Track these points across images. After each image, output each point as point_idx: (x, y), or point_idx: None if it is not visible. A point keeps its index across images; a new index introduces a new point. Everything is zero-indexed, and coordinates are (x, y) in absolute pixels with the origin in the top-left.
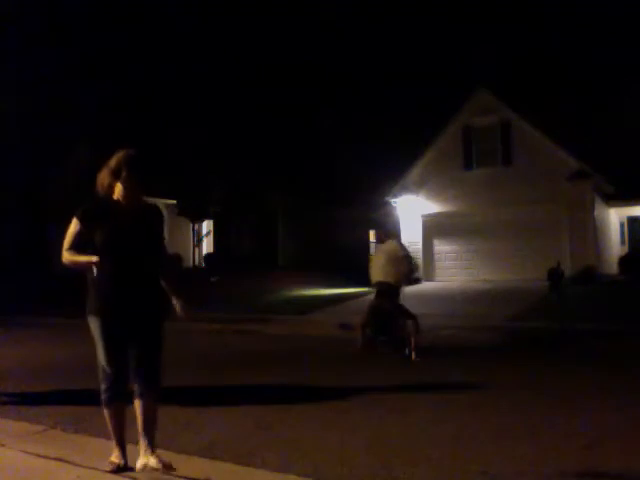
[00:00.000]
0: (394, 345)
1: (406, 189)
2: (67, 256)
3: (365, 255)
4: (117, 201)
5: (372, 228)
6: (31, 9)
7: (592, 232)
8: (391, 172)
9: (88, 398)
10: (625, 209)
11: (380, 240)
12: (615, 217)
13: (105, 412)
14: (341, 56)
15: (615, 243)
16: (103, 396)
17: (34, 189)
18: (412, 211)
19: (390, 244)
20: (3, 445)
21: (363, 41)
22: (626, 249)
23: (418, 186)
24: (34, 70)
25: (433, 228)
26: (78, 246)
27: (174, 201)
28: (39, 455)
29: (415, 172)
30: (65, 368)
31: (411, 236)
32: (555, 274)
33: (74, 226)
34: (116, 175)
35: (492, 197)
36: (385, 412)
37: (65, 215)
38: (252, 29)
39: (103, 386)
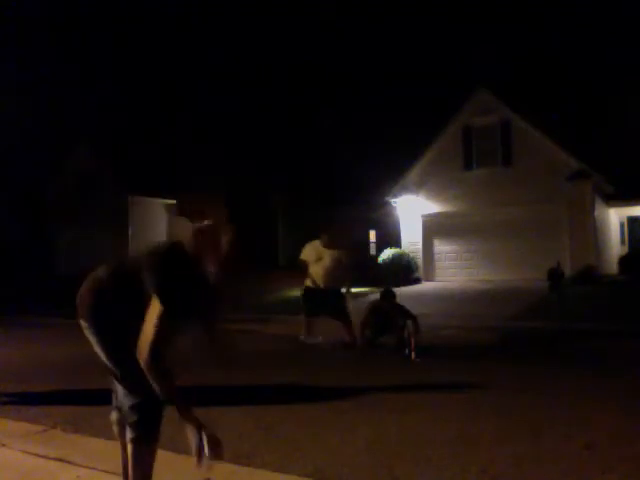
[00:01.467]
0: (394, 345)
1: (406, 189)
2: (157, 367)
3: (365, 254)
4: (205, 268)
5: (372, 228)
6: (31, 10)
7: (592, 232)
8: (391, 172)
9: (88, 398)
10: (625, 209)
11: (330, 245)
12: (615, 217)
13: (144, 451)
14: (341, 56)
15: (615, 243)
16: (148, 430)
17: (34, 189)
18: (412, 211)
19: (340, 252)
20: (3, 445)
21: (363, 41)
22: (626, 249)
23: (418, 186)
24: (34, 70)
25: (433, 228)
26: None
27: (174, 201)
28: (39, 455)
29: (415, 172)
30: (65, 368)
31: (411, 236)
32: (555, 274)
33: (164, 317)
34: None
35: (492, 197)
36: (385, 412)
37: (65, 215)
38: (252, 29)
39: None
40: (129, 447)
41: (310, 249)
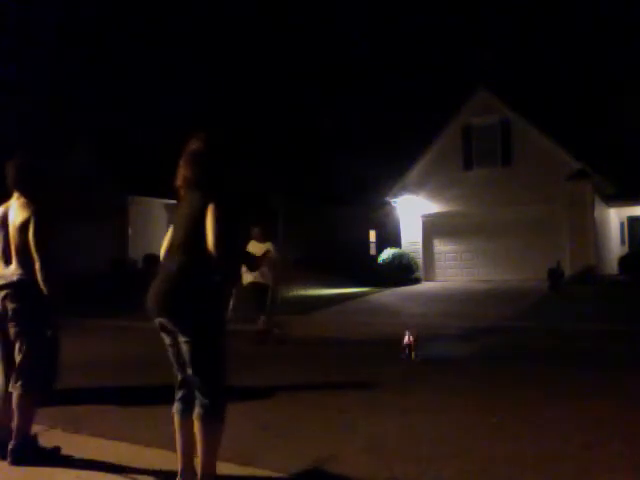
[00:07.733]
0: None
1: (406, 189)
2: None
3: (365, 254)
4: None
5: (372, 228)
6: (31, 9)
7: (592, 232)
8: (391, 172)
9: (88, 398)
10: (625, 209)
11: (260, 238)
12: (615, 217)
13: (216, 429)
14: (341, 56)
15: (615, 243)
16: (219, 410)
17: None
18: (412, 211)
19: (268, 245)
20: None
21: (363, 41)
22: (626, 249)
23: (418, 186)
24: (34, 70)
25: (433, 228)
26: None
27: (174, 201)
28: None
29: (415, 172)
30: (65, 368)
31: (411, 236)
32: (555, 274)
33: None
34: None
35: (492, 197)
36: (385, 412)
37: (64, 214)
38: (252, 29)
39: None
40: (199, 426)
41: (250, 246)
